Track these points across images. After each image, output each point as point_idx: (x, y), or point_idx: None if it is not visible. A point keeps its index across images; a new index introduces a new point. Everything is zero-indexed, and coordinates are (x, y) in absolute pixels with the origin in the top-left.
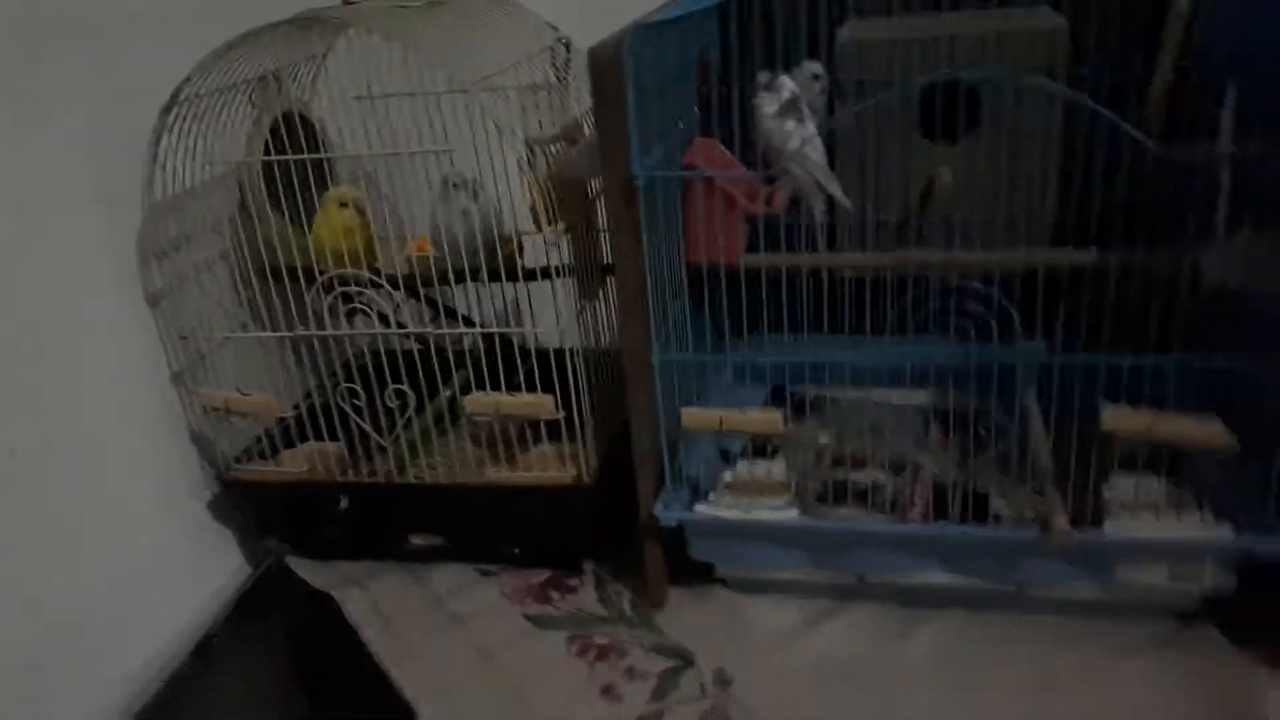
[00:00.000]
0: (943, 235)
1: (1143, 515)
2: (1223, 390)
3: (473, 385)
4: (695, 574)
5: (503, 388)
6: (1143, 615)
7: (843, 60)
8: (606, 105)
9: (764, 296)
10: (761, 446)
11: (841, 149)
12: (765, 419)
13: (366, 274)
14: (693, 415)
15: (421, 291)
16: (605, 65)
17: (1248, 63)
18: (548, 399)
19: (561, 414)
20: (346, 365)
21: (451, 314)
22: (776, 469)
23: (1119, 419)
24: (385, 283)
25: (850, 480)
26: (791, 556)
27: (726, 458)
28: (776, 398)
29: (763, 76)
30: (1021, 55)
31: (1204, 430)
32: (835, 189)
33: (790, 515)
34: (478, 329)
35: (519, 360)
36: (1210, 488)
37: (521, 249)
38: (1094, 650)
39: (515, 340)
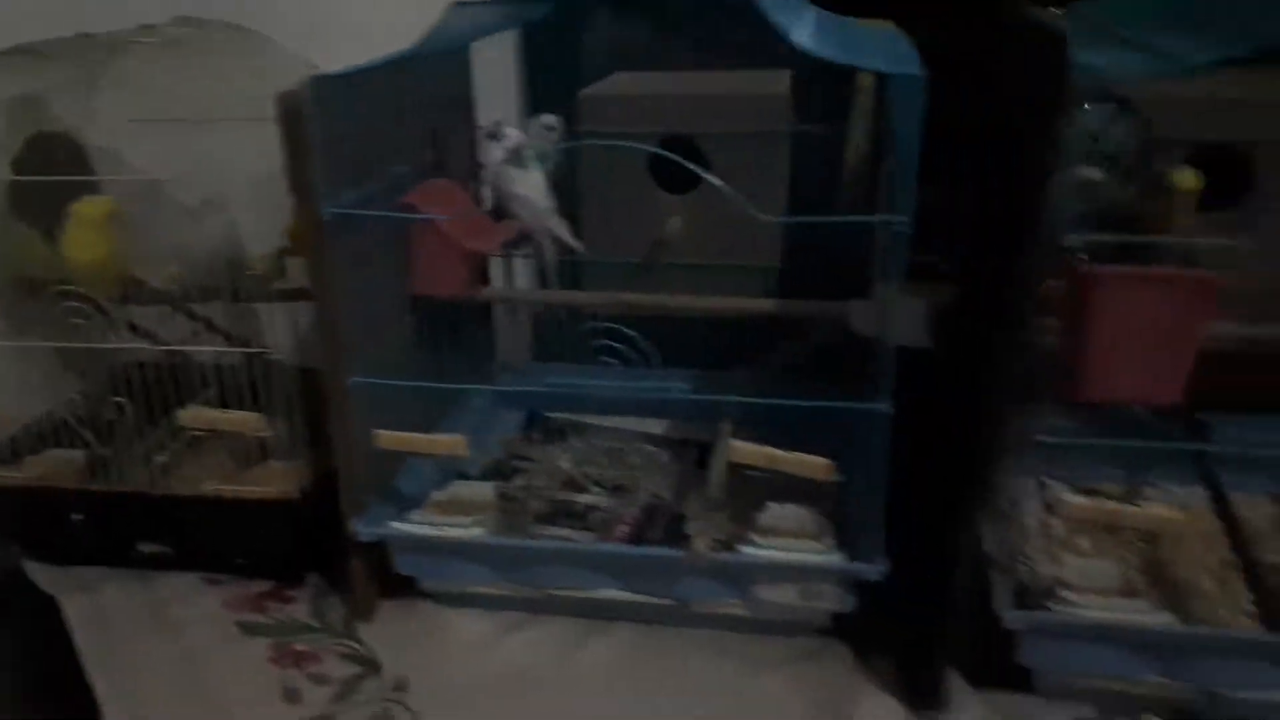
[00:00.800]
0: (680, 278)
1: (782, 539)
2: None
3: (224, 401)
4: (405, 587)
5: (244, 404)
6: (787, 631)
7: (585, 113)
8: (293, 149)
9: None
10: (504, 469)
11: (586, 195)
12: (449, 442)
13: (113, 287)
14: (385, 437)
15: (187, 307)
16: (287, 113)
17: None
18: (253, 417)
19: (268, 432)
20: (113, 377)
21: (215, 330)
22: (485, 489)
23: (742, 452)
24: (141, 297)
25: (569, 501)
26: (482, 571)
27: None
28: (531, 422)
29: (488, 125)
30: (751, 115)
31: (811, 464)
32: (562, 231)
33: (475, 533)
34: (218, 347)
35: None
36: (847, 517)
37: (284, 271)
38: (739, 663)
39: (258, 359)
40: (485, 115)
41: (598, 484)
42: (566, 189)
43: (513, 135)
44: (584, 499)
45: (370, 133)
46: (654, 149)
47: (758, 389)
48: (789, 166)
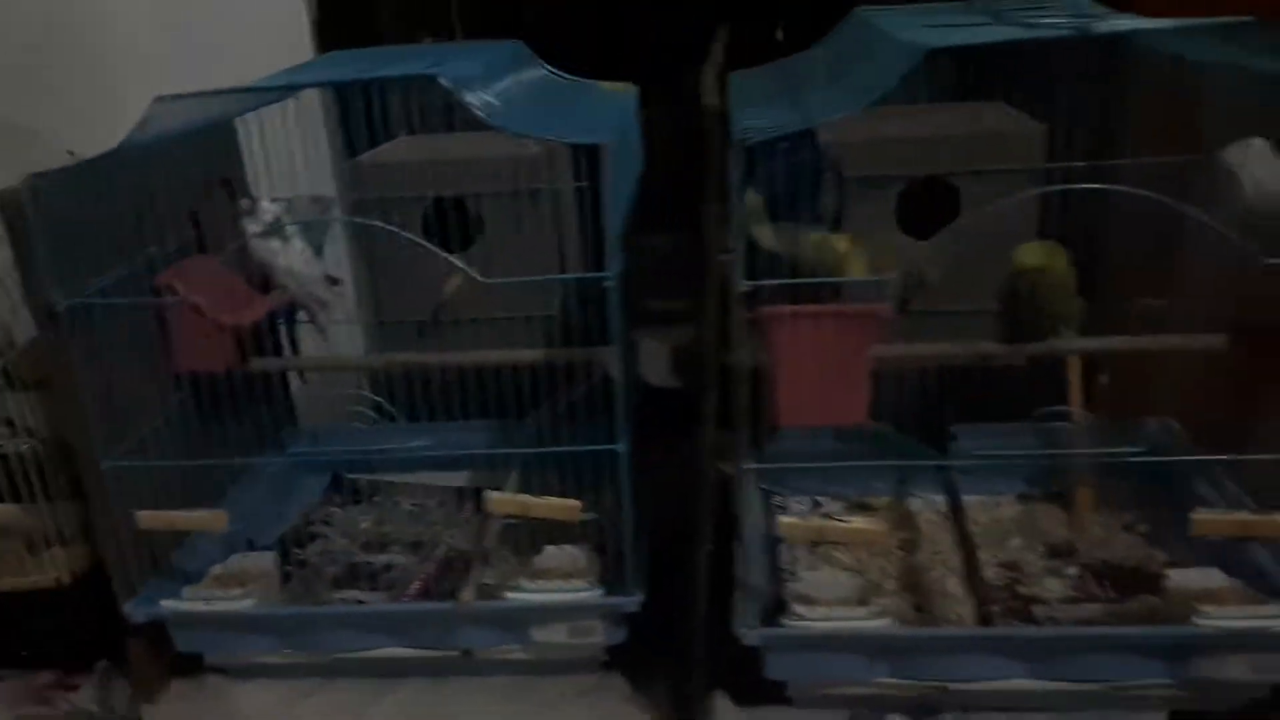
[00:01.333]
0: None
1: (553, 580)
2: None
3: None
4: (194, 664)
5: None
6: (568, 669)
7: (362, 178)
8: (16, 245)
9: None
10: (300, 535)
11: (375, 260)
12: (207, 518)
13: None
14: (145, 517)
15: None
16: (6, 210)
17: None
18: (12, 508)
19: (31, 522)
20: None
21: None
22: (265, 559)
23: (498, 502)
24: None
25: (366, 563)
26: (265, 641)
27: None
28: (335, 485)
29: (244, 203)
30: (514, 176)
31: (561, 506)
32: (330, 297)
33: (246, 604)
34: None
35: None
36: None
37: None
38: (521, 705)
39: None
40: (270, 188)
41: (396, 542)
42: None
43: (269, 210)
44: (381, 559)
45: (117, 218)
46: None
47: (538, 437)
48: (555, 222)
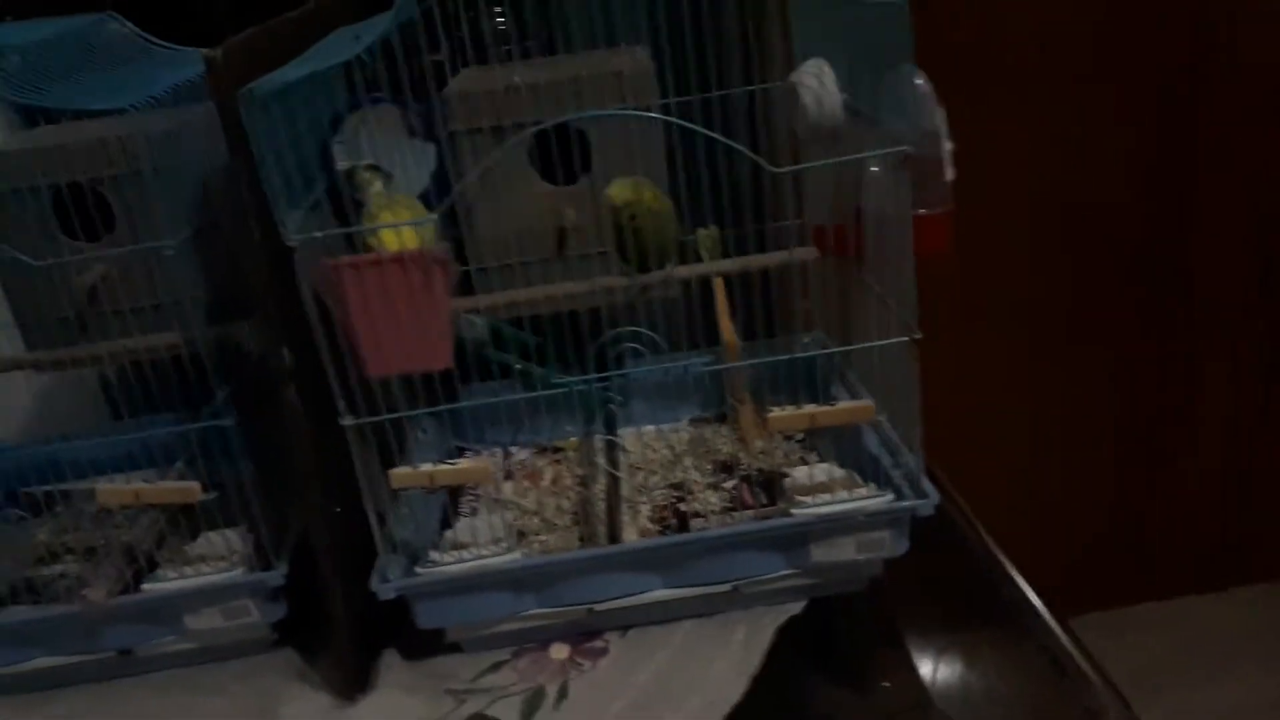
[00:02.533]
0: None
1: (200, 565)
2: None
3: None
4: None
5: None
6: (237, 652)
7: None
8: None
9: None
10: None
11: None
12: None
13: None
14: None
15: None
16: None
17: None
18: None
19: None
20: None
21: None
22: None
23: (107, 494)
24: None
25: (34, 576)
26: None
27: None
28: (11, 500)
29: None
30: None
31: (180, 490)
32: None
33: None
34: None
35: None
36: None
37: None
38: (190, 695)
39: None
40: None
41: (71, 551)
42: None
43: None
44: (55, 569)
45: None
46: None
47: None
48: None
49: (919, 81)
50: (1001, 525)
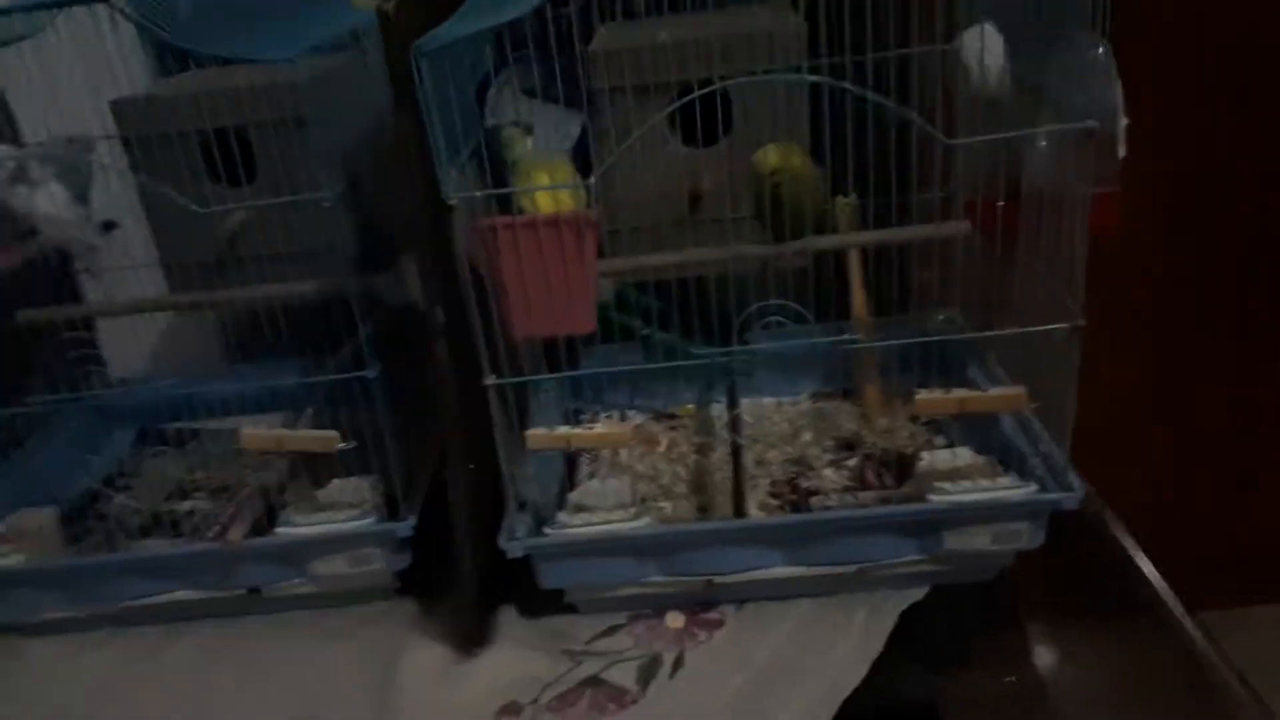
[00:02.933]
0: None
1: (338, 511)
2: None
3: None
4: None
5: None
6: (362, 599)
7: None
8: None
9: None
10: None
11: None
12: None
13: None
14: None
15: None
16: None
17: None
18: None
19: None
20: None
21: None
22: (44, 515)
23: (251, 439)
24: None
25: (169, 511)
26: (50, 597)
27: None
28: (143, 437)
29: None
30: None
31: (320, 439)
32: (99, 241)
33: (14, 561)
34: None
35: None
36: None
37: None
38: (308, 640)
39: None
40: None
41: (202, 489)
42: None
43: (6, 155)
44: (185, 505)
45: None
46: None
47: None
48: None
49: (1100, 52)
50: (1132, 516)
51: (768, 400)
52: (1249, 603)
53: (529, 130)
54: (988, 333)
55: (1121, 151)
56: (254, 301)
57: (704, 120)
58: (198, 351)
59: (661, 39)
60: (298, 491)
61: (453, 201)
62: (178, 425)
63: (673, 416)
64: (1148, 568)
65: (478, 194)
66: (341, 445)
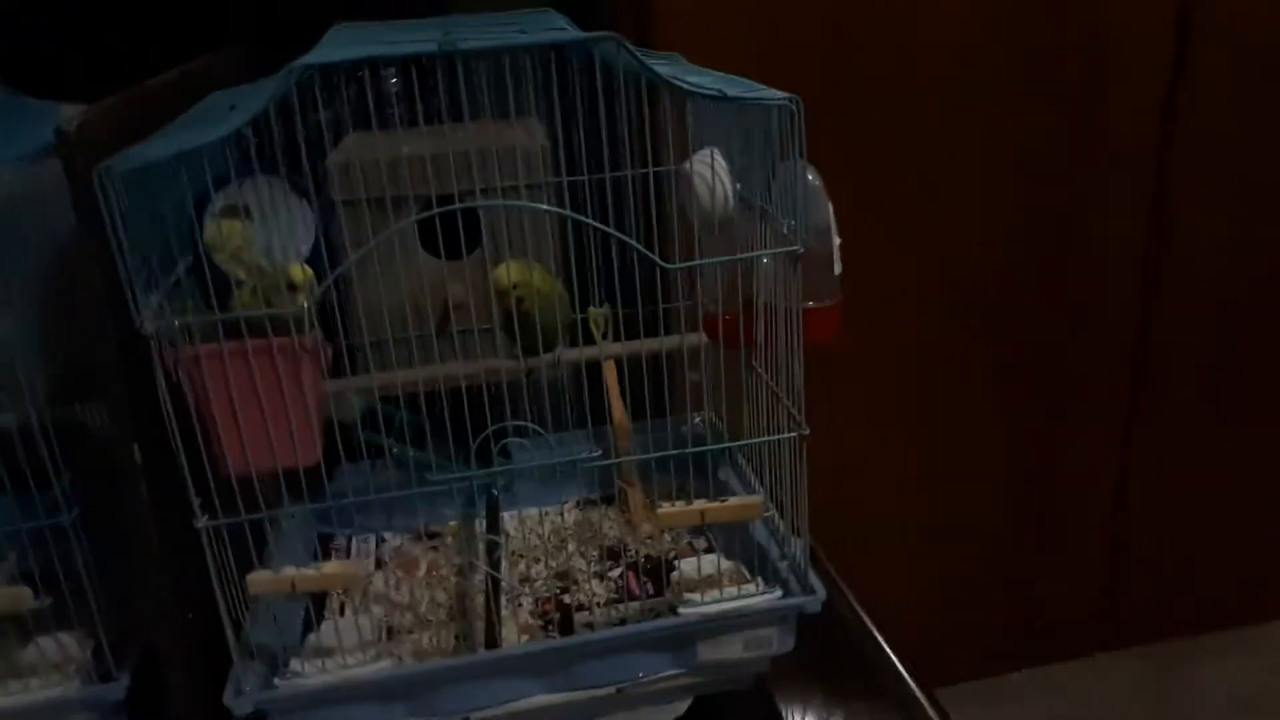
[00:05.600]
0: None
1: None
2: None
3: None
4: None
5: None
6: None
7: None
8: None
9: None
10: None
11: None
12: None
13: None
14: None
15: None
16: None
17: None
18: None
19: None
20: None
21: None
22: None
23: None
24: None
25: None
26: None
27: None
28: None
29: None
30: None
31: (9, 596)
32: None
33: None
34: None
35: None
36: None
37: None
38: None
39: None
40: None
41: None
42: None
43: None
44: None
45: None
46: None
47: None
48: None
49: (810, 177)
50: (886, 605)
51: (532, 511)
52: (1007, 670)
53: (247, 213)
54: (726, 443)
55: (837, 268)
56: None
57: (453, 234)
58: None
59: (405, 153)
60: None
61: (148, 333)
62: None
63: (435, 535)
64: (892, 655)
65: (177, 321)
66: (34, 604)
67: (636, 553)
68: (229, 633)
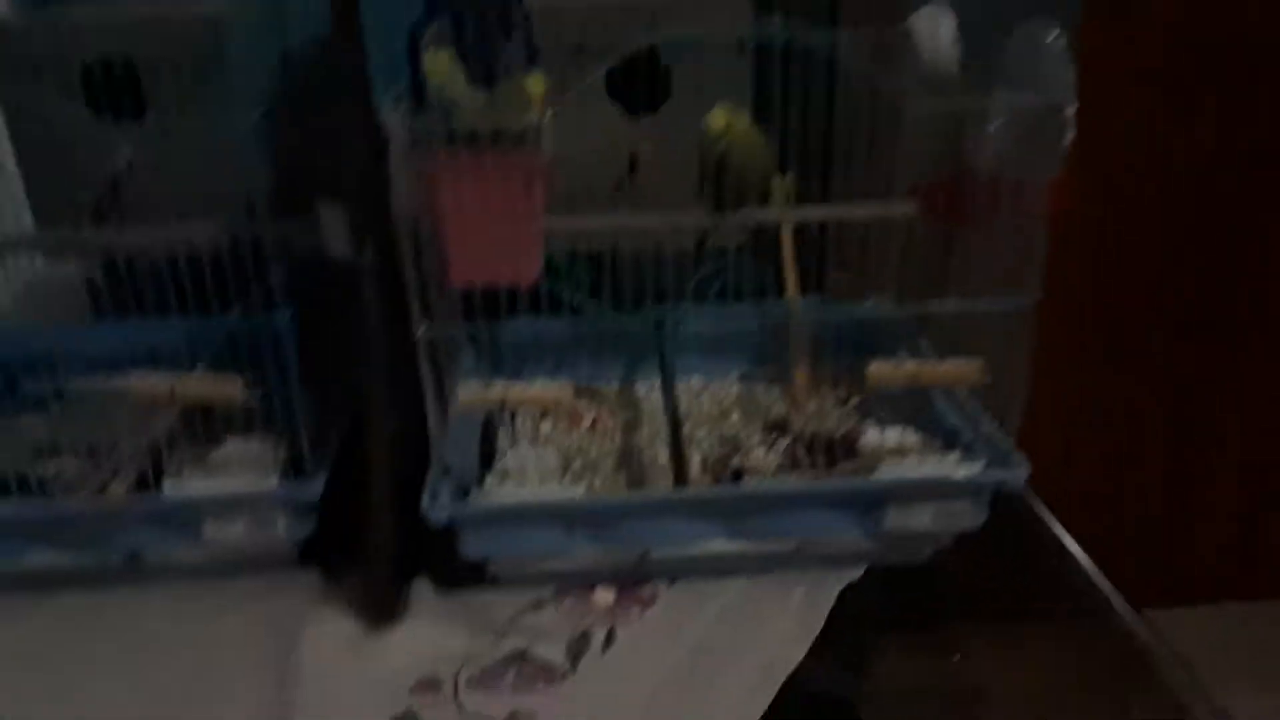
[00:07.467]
0: None
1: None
2: None
3: None
4: None
5: None
6: (253, 569)
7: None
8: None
9: None
10: None
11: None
12: None
13: None
14: None
15: None
16: None
17: None
18: None
19: None
20: None
21: None
22: None
23: (143, 391)
24: None
25: (29, 473)
26: None
27: None
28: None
29: None
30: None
31: (220, 387)
32: None
33: None
34: None
35: None
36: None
37: None
38: (198, 612)
39: None
40: None
41: (70, 450)
42: None
43: None
44: (51, 467)
45: None
46: None
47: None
48: None
49: (1055, 38)
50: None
51: (695, 381)
52: (1184, 604)
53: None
54: (944, 309)
55: (1069, 136)
56: (140, 247)
57: (643, 88)
58: (62, 306)
59: None
60: (187, 452)
61: (392, 134)
62: (41, 382)
63: (594, 393)
64: (1084, 559)
65: (422, 125)
66: (245, 394)
67: (802, 427)
68: (433, 443)
